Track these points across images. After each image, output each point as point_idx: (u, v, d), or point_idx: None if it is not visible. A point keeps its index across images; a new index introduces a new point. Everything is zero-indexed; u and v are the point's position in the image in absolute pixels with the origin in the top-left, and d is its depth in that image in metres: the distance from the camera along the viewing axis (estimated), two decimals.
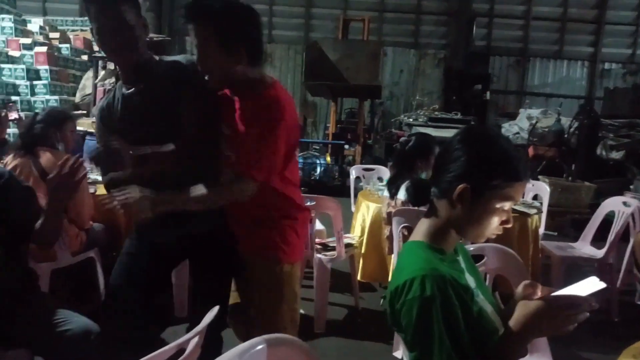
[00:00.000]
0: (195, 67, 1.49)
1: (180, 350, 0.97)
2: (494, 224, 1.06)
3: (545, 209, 3.46)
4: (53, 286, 2.31)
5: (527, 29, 10.78)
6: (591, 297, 0.98)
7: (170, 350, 0.91)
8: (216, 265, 1.68)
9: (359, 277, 3.17)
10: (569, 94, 10.65)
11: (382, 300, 1.10)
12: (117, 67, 1.59)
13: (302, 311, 3.01)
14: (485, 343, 1.00)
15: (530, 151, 6.18)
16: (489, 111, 9.79)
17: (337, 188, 6.62)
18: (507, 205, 1.04)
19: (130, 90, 1.55)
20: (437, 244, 1.08)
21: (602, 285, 0.99)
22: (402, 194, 1.37)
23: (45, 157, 2.40)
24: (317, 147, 8.58)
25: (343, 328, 2.88)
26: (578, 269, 3.06)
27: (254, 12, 1.50)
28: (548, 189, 3.60)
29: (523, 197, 3.42)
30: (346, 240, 2.95)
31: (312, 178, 7.04)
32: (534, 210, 2.83)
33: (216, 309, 1.06)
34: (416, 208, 1.53)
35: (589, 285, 1.00)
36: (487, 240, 1.20)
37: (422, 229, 1.11)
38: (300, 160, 7.38)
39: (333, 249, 2.89)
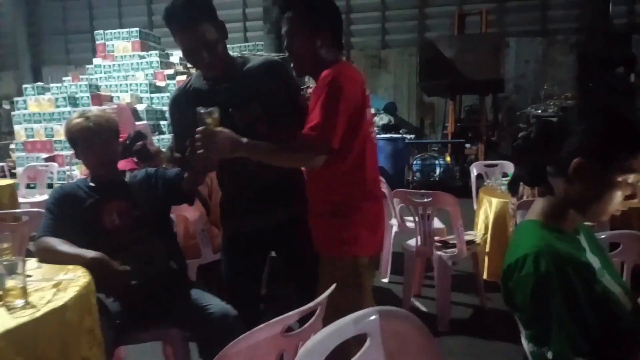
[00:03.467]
0: (276, 64, 1.70)
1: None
2: (617, 200, 0.99)
3: None
4: (199, 280, 2.64)
5: None
6: None
7: (295, 315, 1.02)
8: (298, 255, 1.76)
9: (484, 276, 3.06)
10: None
11: None
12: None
13: (424, 308, 3.01)
14: (612, 325, 0.94)
15: None
16: (637, 96, 8.61)
17: (459, 189, 6.40)
18: (630, 177, 0.97)
19: (213, 85, 1.67)
20: (554, 222, 1.04)
21: None
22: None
23: None
24: (436, 148, 8.39)
25: (469, 328, 2.79)
26: None
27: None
28: None
29: None
30: (467, 237, 2.87)
31: (432, 179, 6.91)
32: None
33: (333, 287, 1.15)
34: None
35: None
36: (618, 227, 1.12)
37: (537, 208, 1.08)
38: (418, 162, 7.30)
39: (454, 246, 2.83)
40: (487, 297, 3.04)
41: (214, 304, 1.73)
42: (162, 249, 1.84)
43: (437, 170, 7.12)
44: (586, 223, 1.17)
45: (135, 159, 2.81)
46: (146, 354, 2.34)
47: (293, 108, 1.69)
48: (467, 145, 7.70)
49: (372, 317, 0.95)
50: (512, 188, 1.20)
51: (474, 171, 4.24)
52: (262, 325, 0.95)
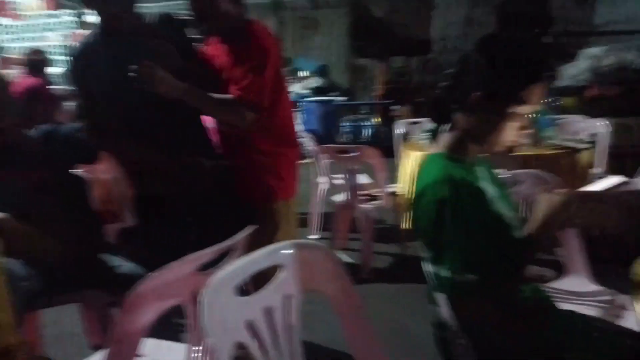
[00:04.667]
0: (175, 20, 1.67)
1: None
2: (512, 130, 1.07)
3: (601, 146, 3.30)
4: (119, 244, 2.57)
5: None
6: (612, 193, 0.99)
7: (210, 253, 1.03)
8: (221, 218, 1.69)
9: (405, 226, 3.22)
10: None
11: None
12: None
13: (349, 259, 3.14)
14: (503, 242, 1.04)
15: (592, 91, 5.79)
16: (551, 55, 9.18)
17: (388, 149, 6.58)
18: (522, 109, 1.05)
19: (115, 42, 1.57)
20: (456, 154, 1.11)
21: (622, 179, 1.00)
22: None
23: None
24: (367, 111, 8.53)
25: (390, 274, 2.96)
26: (634, 207, 2.89)
27: None
28: (606, 126, 3.41)
29: (578, 134, 3.28)
30: (391, 190, 3.00)
31: (361, 140, 7.06)
32: (584, 145, 2.73)
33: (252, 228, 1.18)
34: None
35: (611, 180, 1.01)
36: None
37: (442, 141, 1.15)
38: (348, 124, 7.41)
39: (378, 198, 2.95)
40: (408, 245, 3.22)
41: (126, 264, 1.72)
42: (75, 211, 1.78)
43: (367, 132, 7.27)
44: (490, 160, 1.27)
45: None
46: (65, 319, 2.28)
47: (196, 65, 1.67)
48: (395, 107, 7.89)
49: (286, 250, 0.99)
50: (433, 136, 1.25)
51: (398, 129, 4.38)
52: (174, 262, 0.96)
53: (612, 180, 1.01)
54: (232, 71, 1.57)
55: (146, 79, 1.41)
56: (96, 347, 1.78)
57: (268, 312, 0.92)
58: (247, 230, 1.14)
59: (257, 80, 1.52)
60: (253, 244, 1.47)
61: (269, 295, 0.94)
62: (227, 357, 0.78)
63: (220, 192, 1.65)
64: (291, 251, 0.99)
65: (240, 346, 0.85)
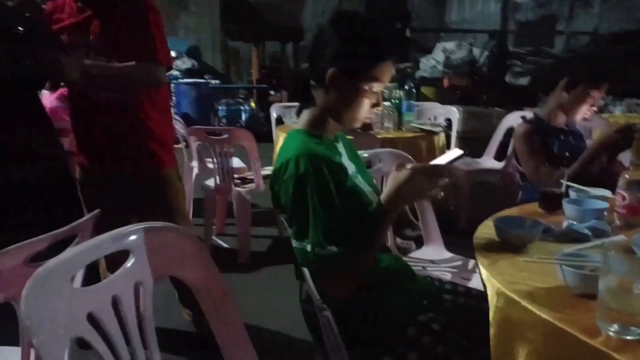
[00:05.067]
0: None
1: None
2: (365, 107, 1.11)
3: (454, 130, 3.66)
4: None
5: None
6: (451, 165, 1.08)
7: (45, 240, 0.90)
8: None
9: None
10: (485, 29, 11.02)
11: None
12: None
13: (225, 245, 3.07)
14: (360, 215, 1.07)
15: (446, 82, 6.42)
16: (410, 49, 9.94)
17: (265, 134, 6.55)
18: (375, 86, 1.09)
19: None
20: (316, 131, 1.12)
21: (460, 152, 1.09)
22: None
23: None
24: (243, 95, 8.39)
25: (268, 257, 2.96)
26: (483, 184, 3.29)
27: None
28: (457, 112, 3.79)
29: (435, 119, 3.60)
30: (265, 172, 2.98)
31: (238, 125, 6.92)
32: (439, 129, 2.99)
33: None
34: None
35: (450, 155, 1.10)
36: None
37: (302, 118, 1.15)
38: (224, 107, 7.21)
39: (252, 181, 2.91)
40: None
41: None
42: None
43: (243, 116, 7.15)
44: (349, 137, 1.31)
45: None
46: None
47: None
48: (272, 92, 7.88)
49: (135, 235, 0.89)
50: (297, 115, 1.23)
51: (273, 113, 4.38)
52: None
53: (452, 154, 1.09)
54: (118, 34, 1.60)
55: (54, 68, 1.46)
56: None
57: (115, 302, 0.83)
58: (92, 214, 1.02)
59: (160, 39, 1.63)
60: (152, 213, 1.54)
61: (117, 283, 0.84)
62: (63, 356, 0.68)
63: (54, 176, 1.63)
64: (140, 235, 0.90)
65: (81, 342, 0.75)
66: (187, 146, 3.22)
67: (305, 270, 1.08)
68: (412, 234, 2.70)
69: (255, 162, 2.78)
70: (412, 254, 1.90)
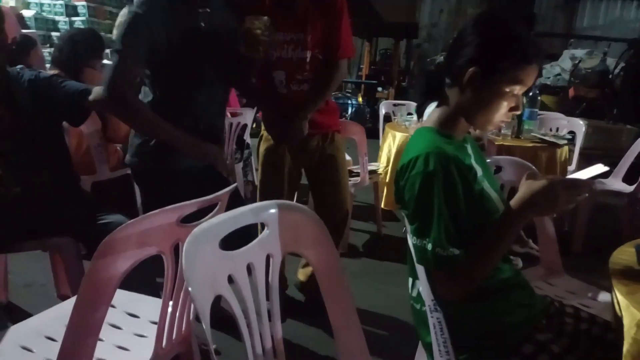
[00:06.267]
0: None
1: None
2: (503, 110, 1.07)
3: (578, 145, 3.38)
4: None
5: None
6: (592, 180, 1.01)
7: (193, 205, 1.00)
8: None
9: (382, 205, 3.24)
10: (621, 37, 9.95)
11: (404, 229, 1.13)
12: None
13: None
14: (486, 220, 1.04)
15: (571, 92, 5.92)
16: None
17: (369, 130, 6.56)
18: (516, 89, 1.05)
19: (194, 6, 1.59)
20: (446, 130, 1.11)
21: (605, 168, 1.01)
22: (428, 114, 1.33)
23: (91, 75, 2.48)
24: (350, 89, 8.48)
25: (365, 251, 2.99)
26: (607, 207, 2.99)
27: None
28: (583, 125, 3.49)
29: (557, 131, 3.35)
30: (371, 167, 3.00)
31: (344, 118, 7.02)
32: (564, 142, 2.78)
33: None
34: None
35: (593, 170, 1.02)
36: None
37: (433, 116, 1.14)
38: (332, 100, 7.34)
39: (358, 175, 2.94)
40: (383, 225, 3.26)
41: (111, 216, 1.67)
42: (49, 158, 1.71)
43: (350, 110, 7.24)
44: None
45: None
46: (35, 269, 2.22)
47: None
48: (379, 88, 7.87)
49: (272, 209, 0.96)
50: (419, 111, 1.23)
51: (382, 109, 4.38)
52: (156, 211, 0.92)
53: (595, 169, 1.02)
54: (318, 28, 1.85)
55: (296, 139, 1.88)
56: (63, 298, 1.74)
57: (249, 269, 0.90)
58: (231, 187, 1.11)
59: (347, 34, 1.99)
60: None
61: (252, 252, 0.91)
62: (207, 309, 0.76)
63: None
64: (275, 210, 0.96)
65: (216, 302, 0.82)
66: None
67: (421, 268, 1.08)
68: (520, 250, 2.55)
69: (364, 157, 2.81)
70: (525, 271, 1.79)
